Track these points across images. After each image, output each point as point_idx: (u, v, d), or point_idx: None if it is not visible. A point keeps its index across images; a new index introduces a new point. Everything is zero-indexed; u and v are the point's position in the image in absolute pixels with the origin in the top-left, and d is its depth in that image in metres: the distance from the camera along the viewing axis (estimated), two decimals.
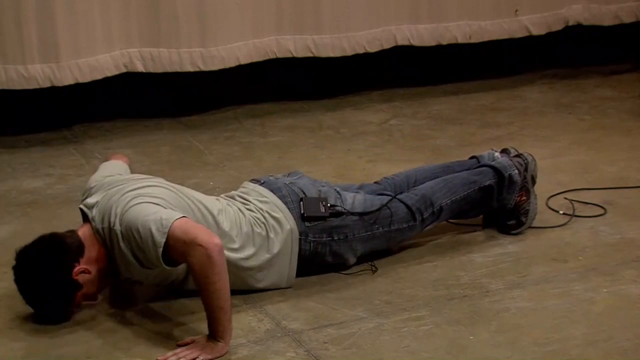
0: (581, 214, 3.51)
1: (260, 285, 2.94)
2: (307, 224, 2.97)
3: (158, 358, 2.59)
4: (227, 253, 2.73)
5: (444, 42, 5.05)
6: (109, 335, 2.73)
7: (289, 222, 2.95)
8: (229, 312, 2.61)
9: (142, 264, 2.72)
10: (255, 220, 2.92)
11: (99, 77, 4.37)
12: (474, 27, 5.09)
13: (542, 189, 3.46)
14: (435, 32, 5.01)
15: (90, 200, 2.86)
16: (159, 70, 4.49)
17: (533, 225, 3.37)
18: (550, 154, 4.01)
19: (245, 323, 2.78)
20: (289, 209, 2.97)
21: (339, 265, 3.07)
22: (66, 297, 2.75)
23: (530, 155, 3.41)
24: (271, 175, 3.14)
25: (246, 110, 4.81)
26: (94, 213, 2.81)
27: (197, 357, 2.57)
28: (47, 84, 4.27)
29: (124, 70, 4.46)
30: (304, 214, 2.97)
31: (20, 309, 2.88)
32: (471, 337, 2.70)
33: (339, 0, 4.77)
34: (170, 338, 2.70)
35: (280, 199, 2.99)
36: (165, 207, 2.71)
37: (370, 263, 3.11)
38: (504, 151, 3.41)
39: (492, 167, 3.31)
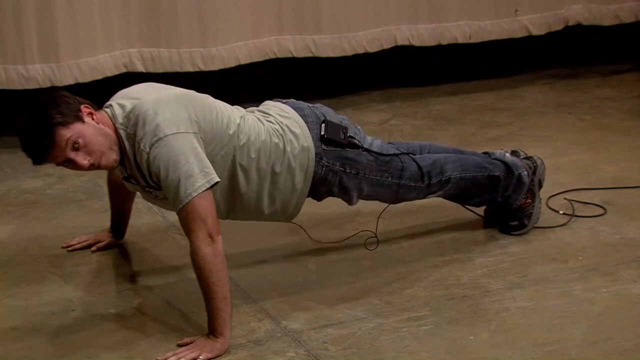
0: (581, 214, 3.51)
1: (270, 208, 2.93)
2: (324, 146, 2.96)
3: (158, 358, 2.59)
4: (243, 168, 2.80)
5: (444, 42, 5.06)
6: (109, 335, 2.73)
7: (307, 140, 2.93)
8: (230, 303, 2.62)
9: (158, 185, 2.71)
10: (274, 131, 2.91)
11: (99, 77, 4.38)
12: (474, 27, 5.09)
13: (542, 189, 3.46)
14: (435, 32, 5.01)
15: (111, 101, 2.82)
16: (159, 70, 4.49)
17: None
18: (550, 154, 4.01)
19: (245, 323, 2.78)
20: (309, 128, 2.96)
21: (342, 200, 3.09)
22: (63, 120, 2.64)
23: (540, 159, 3.40)
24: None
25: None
26: (115, 110, 2.76)
27: (198, 357, 2.58)
28: (47, 84, 4.27)
29: (124, 70, 4.46)
30: (324, 135, 2.96)
31: (20, 308, 2.89)
32: (471, 337, 2.70)
33: (339, 0, 4.77)
34: (170, 338, 2.70)
35: (301, 117, 2.98)
36: (200, 150, 2.67)
37: (372, 232, 3.19)
38: (514, 153, 3.41)
39: (504, 162, 3.32)
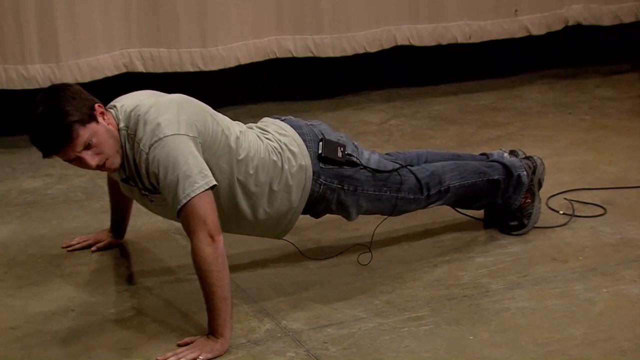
0: (581, 214, 3.51)
1: (264, 224, 2.93)
2: (322, 164, 2.97)
3: (158, 358, 2.59)
4: (241, 183, 2.81)
5: (444, 42, 5.06)
6: (109, 335, 2.73)
7: (304, 159, 2.94)
8: (230, 304, 2.62)
9: (155, 187, 2.72)
10: (273, 149, 2.92)
11: (99, 77, 4.38)
12: (474, 27, 5.09)
13: (542, 188, 3.46)
14: (435, 32, 5.01)
15: (114, 103, 2.83)
16: (159, 70, 4.49)
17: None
18: (550, 154, 4.01)
19: (245, 323, 2.78)
20: (307, 146, 2.97)
21: (341, 216, 3.10)
22: (80, 118, 2.63)
23: (540, 158, 3.40)
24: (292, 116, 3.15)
25: (246, 110, 4.82)
26: (118, 112, 2.77)
27: (198, 357, 2.58)
28: (47, 84, 4.26)
29: (124, 70, 4.46)
30: (321, 153, 2.96)
31: (20, 308, 2.89)
32: (471, 337, 2.70)
33: (339, 0, 4.77)
34: (170, 338, 2.70)
35: (300, 135, 2.99)
36: (198, 153, 2.67)
37: (367, 246, 3.18)
38: (512, 152, 3.41)
39: (502, 164, 3.32)
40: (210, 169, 2.69)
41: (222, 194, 2.81)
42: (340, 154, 3.00)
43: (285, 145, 2.94)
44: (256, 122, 3.10)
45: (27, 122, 2.67)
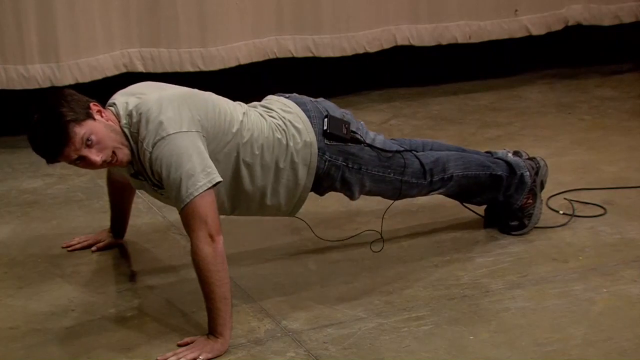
0: (581, 214, 3.51)
1: (274, 203, 2.93)
2: (326, 141, 2.96)
3: (158, 358, 2.59)
4: (247, 164, 2.81)
5: (444, 42, 5.06)
6: (109, 335, 2.73)
7: (309, 135, 2.93)
8: (230, 304, 2.62)
9: (160, 183, 2.72)
10: (277, 127, 2.91)
11: (99, 77, 4.38)
12: (474, 27, 5.09)
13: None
14: (435, 32, 5.01)
15: (113, 100, 2.83)
16: (159, 70, 4.49)
17: None
18: (550, 154, 4.01)
19: (245, 323, 2.78)
20: (311, 123, 2.96)
21: (344, 194, 3.09)
22: (75, 117, 2.64)
23: (543, 160, 3.40)
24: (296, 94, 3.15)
25: None
26: (119, 109, 2.77)
27: (198, 357, 2.58)
28: (47, 84, 4.27)
29: (124, 70, 4.46)
30: (326, 129, 2.95)
31: (20, 308, 2.89)
32: (471, 337, 2.70)
33: (339, 0, 4.77)
34: (170, 338, 2.70)
35: (304, 112, 2.98)
36: (203, 149, 2.67)
37: (378, 232, 3.20)
38: (516, 153, 3.41)
39: (506, 162, 3.32)
40: (215, 158, 2.70)
41: (229, 178, 2.81)
42: (344, 131, 2.99)
43: (290, 122, 2.93)
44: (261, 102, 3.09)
45: (26, 133, 2.68)
